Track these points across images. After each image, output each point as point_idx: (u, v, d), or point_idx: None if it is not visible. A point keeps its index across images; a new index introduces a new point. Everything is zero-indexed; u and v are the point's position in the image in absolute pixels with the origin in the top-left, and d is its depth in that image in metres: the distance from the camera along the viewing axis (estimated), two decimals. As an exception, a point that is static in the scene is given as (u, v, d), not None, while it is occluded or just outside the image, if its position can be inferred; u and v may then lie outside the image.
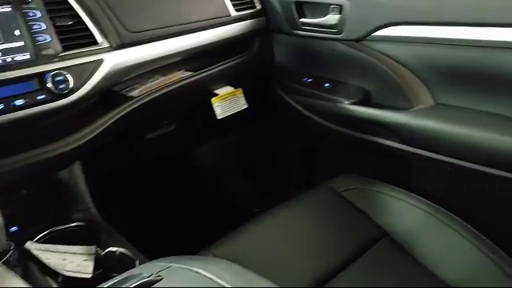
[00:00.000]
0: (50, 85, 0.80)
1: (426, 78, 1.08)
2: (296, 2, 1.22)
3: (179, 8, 1.07)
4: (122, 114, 0.96)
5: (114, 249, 1.00)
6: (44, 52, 0.82)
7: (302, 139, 1.48)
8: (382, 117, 1.12)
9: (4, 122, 0.77)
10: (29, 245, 0.96)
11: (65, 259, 0.95)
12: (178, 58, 1.09)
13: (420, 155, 1.07)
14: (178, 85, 1.08)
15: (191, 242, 0.93)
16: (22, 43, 0.80)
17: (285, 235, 0.97)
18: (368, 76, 1.17)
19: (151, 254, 0.91)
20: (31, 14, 0.82)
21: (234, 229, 0.97)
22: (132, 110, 0.98)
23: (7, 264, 0.81)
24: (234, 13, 1.19)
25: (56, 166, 1.02)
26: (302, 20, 1.24)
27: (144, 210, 1.37)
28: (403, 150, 1.10)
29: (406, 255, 0.93)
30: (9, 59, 0.78)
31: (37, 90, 0.80)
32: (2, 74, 0.77)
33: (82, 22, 0.89)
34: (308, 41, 1.25)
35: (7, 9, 0.80)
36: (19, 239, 0.96)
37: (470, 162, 0.98)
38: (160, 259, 0.71)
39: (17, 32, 0.80)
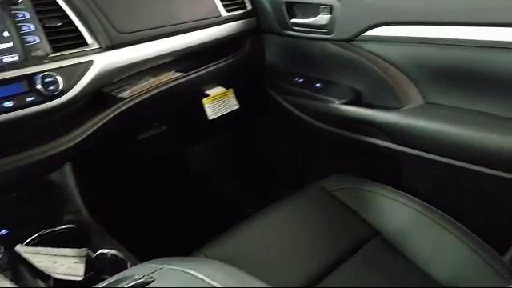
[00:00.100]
0: (39, 86, 0.80)
1: (416, 77, 1.09)
2: (286, 3, 1.23)
3: (169, 8, 1.07)
4: (112, 115, 0.96)
5: (105, 251, 1.00)
6: (33, 53, 0.81)
7: (293, 139, 1.48)
8: (372, 116, 1.12)
9: (-7, 124, 0.76)
10: (19, 248, 0.96)
11: (55, 262, 0.95)
12: (168, 59, 1.09)
13: (410, 154, 1.07)
14: (168, 86, 1.07)
15: (183, 243, 0.92)
16: (10, 45, 0.79)
17: (277, 235, 0.97)
18: (358, 76, 1.18)
19: (143, 256, 0.91)
20: (20, 16, 0.81)
21: (226, 229, 0.97)
22: (123, 111, 0.97)
23: (-3, 267, 0.80)
24: (224, 13, 1.18)
25: (47, 167, 1.02)
26: (293, 20, 1.24)
27: (135, 211, 1.36)
28: (394, 150, 1.11)
29: (397, 254, 0.94)
30: (-3, 61, 0.78)
31: (26, 92, 0.79)
32: (-9, 75, 0.76)
33: (72, 23, 0.88)
34: (299, 41, 1.26)
35: (-5, 10, 0.79)
36: (9, 242, 0.95)
37: (460, 160, 0.99)
38: (152, 261, 0.71)
39: (5, 33, 0.79)
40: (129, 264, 0.98)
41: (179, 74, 1.12)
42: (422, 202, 1.02)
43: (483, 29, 0.92)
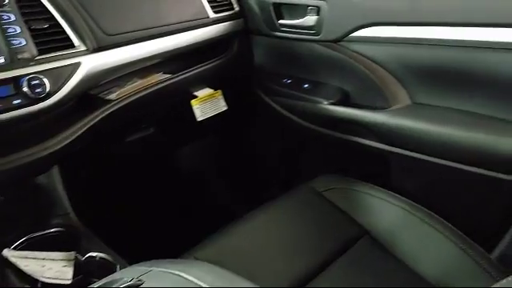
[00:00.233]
0: (26, 89, 0.79)
1: (403, 77, 1.09)
2: (274, 4, 1.23)
3: (157, 10, 1.07)
4: (100, 117, 0.95)
5: (94, 254, 0.99)
6: (19, 56, 0.80)
7: (282, 140, 1.49)
8: (360, 116, 1.13)
9: (-20, 128, 0.75)
10: (6, 252, 0.95)
11: (43, 266, 0.94)
12: (156, 61, 1.08)
13: (398, 154, 1.08)
14: (156, 87, 1.07)
15: (172, 245, 0.92)
16: (-5, 47, 0.78)
17: (266, 236, 0.97)
18: (346, 76, 1.18)
19: (132, 259, 0.90)
20: (5, 18, 0.80)
21: (216, 231, 0.97)
22: (110, 113, 0.97)
23: (-16, 272, 0.79)
24: (212, 14, 1.18)
25: (34, 170, 1.01)
26: (281, 21, 1.24)
27: (124, 213, 1.35)
28: (382, 149, 1.11)
29: (386, 253, 0.94)
30: (-17, 64, 0.77)
31: (12, 95, 0.79)
32: (-23, 78, 0.75)
33: (58, 25, 0.87)
34: (287, 42, 1.26)
35: (-20, 12, 0.79)
36: (-4, 247, 0.94)
37: (447, 159, 0.99)
38: (141, 263, 0.71)
39: (-10, 36, 0.78)
40: (118, 267, 0.97)
41: (167, 76, 1.11)
42: (411, 201, 1.03)
43: (470, 29, 0.93)
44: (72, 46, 0.89)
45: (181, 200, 1.53)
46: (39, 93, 0.80)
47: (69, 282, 0.92)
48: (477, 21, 0.92)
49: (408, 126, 1.04)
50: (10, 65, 0.79)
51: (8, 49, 0.79)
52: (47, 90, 0.82)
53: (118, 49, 0.96)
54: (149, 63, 1.07)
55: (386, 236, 0.97)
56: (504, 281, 0.40)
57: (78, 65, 0.87)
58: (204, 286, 0.58)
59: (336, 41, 1.15)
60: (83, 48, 0.90)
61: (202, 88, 1.23)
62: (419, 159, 1.04)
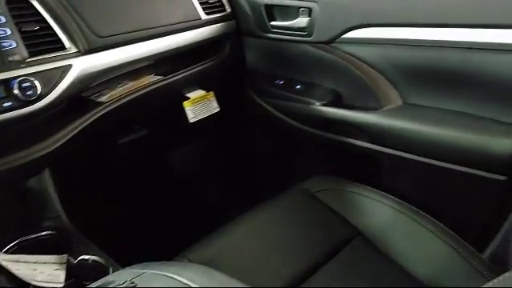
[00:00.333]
0: (16, 91, 0.78)
1: (395, 78, 1.10)
2: (266, 6, 1.23)
3: (148, 12, 1.07)
4: (92, 119, 0.95)
5: (86, 257, 0.99)
6: (10, 58, 0.80)
7: (274, 141, 1.49)
8: (352, 117, 1.13)
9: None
10: (-3, 255, 0.94)
11: (35, 269, 0.93)
12: (147, 62, 1.08)
13: (390, 154, 1.09)
14: (148, 89, 1.07)
15: (165, 247, 0.92)
16: (-14, 49, 0.78)
17: (260, 238, 0.97)
18: (338, 77, 1.19)
19: (125, 261, 0.90)
20: (-4, 20, 0.80)
21: (209, 233, 0.97)
22: (102, 115, 0.96)
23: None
24: (204, 16, 1.18)
25: (26, 173, 1.00)
26: (273, 23, 1.24)
27: (116, 216, 1.35)
28: (374, 150, 1.12)
29: (379, 253, 0.95)
30: (-27, 66, 0.76)
31: (3, 97, 0.78)
32: (-33, 81, 0.75)
33: (49, 27, 0.87)
34: (279, 43, 1.26)
35: (-30, 14, 0.78)
36: (-13, 250, 0.94)
37: (438, 160, 1.00)
38: (134, 266, 0.70)
39: (-19, 38, 0.78)
40: (110, 270, 0.97)
41: (159, 78, 1.11)
42: (403, 201, 1.03)
43: (461, 30, 0.93)
44: (63, 48, 0.88)
45: (173, 202, 1.52)
46: (30, 95, 0.80)
47: (61, 285, 0.91)
48: (467, 22, 0.93)
49: (400, 126, 1.05)
50: (0, 67, 0.78)
51: (-2, 51, 0.79)
52: (38, 92, 0.81)
53: (110, 51, 0.96)
54: (140, 65, 1.07)
55: (379, 236, 0.98)
56: (495, 280, 0.41)
57: (69, 67, 0.87)
58: (197, 288, 0.58)
59: (328, 42, 1.15)
60: (74, 50, 0.89)
61: (195, 90, 1.23)
62: (411, 159, 1.05)
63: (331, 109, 1.17)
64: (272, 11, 1.24)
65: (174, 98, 1.18)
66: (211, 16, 1.21)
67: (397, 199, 1.04)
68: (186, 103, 1.19)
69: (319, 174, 1.17)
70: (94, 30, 0.93)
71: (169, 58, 1.11)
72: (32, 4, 0.86)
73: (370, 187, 1.08)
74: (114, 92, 1.01)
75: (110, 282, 0.63)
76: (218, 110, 1.25)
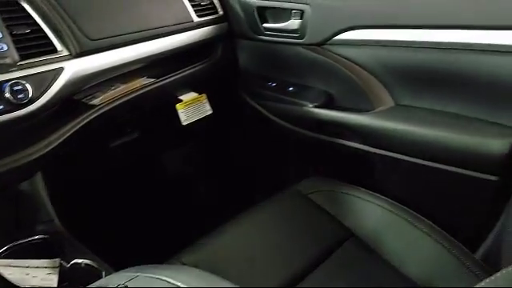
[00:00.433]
0: (8, 95, 0.78)
1: (387, 80, 1.10)
2: (258, 8, 1.23)
3: (141, 14, 1.06)
4: (84, 122, 0.95)
5: (79, 260, 0.98)
6: (1, 61, 0.79)
7: (267, 143, 1.49)
8: (345, 119, 1.14)
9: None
10: (-11, 260, 0.94)
11: (28, 274, 0.93)
12: (140, 65, 1.08)
13: (383, 155, 1.09)
14: (140, 92, 1.07)
15: (159, 250, 0.91)
16: (-24, 52, 0.77)
17: (253, 240, 0.97)
18: (331, 79, 1.19)
19: (118, 265, 0.89)
20: (-14, 23, 0.79)
21: (202, 235, 0.97)
22: (94, 118, 0.96)
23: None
24: (196, 18, 1.18)
25: (18, 177, 0.99)
26: (265, 25, 1.24)
27: (109, 219, 1.34)
28: (367, 151, 1.12)
29: (372, 254, 0.95)
30: (-36, 69, 0.76)
31: (-6, 101, 0.78)
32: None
33: (41, 30, 0.86)
34: (271, 45, 1.26)
35: (-39, 17, 0.77)
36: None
37: (430, 160, 1.01)
38: (127, 269, 0.70)
39: (-29, 41, 0.77)
40: (103, 273, 0.97)
41: (151, 80, 1.11)
42: (396, 202, 1.04)
43: (451, 32, 0.94)
44: (55, 50, 0.88)
45: (166, 204, 1.52)
46: (21, 98, 0.79)
47: (54, 289, 0.91)
48: (459, 23, 0.93)
49: (392, 127, 1.05)
50: (-9, 70, 0.78)
51: (-11, 54, 0.78)
52: (30, 95, 0.81)
53: (102, 53, 0.96)
54: (133, 67, 1.06)
55: (372, 237, 0.98)
56: (488, 280, 0.41)
57: (60, 70, 0.87)
58: (191, 291, 0.58)
59: (320, 44, 1.15)
60: (66, 53, 0.89)
61: (187, 92, 1.23)
62: (403, 160, 1.05)
63: (324, 110, 1.18)
64: (264, 13, 1.24)
65: (166, 100, 1.18)
66: (203, 18, 1.21)
67: (389, 200, 1.04)
68: (178, 106, 1.18)
69: (312, 175, 1.18)
70: (85, 33, 0.92)
71: (161, 60, 1.11)
72: (23, 7, 0.85)
73: (362, 188, 1.09)
74: (106, 95, 1.01)
75: (103, 286, 0.63)
76: (210, 112, 1.25)
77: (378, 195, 1.06)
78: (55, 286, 0.91)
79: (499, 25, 0.88)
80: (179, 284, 0.60)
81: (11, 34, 0.81)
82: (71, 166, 1.20)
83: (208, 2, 1.25)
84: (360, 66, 1.12)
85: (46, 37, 0.87)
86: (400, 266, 0.92)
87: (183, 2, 1.17)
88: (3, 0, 0.83)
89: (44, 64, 0.85)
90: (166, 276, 0.62)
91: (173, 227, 1.35)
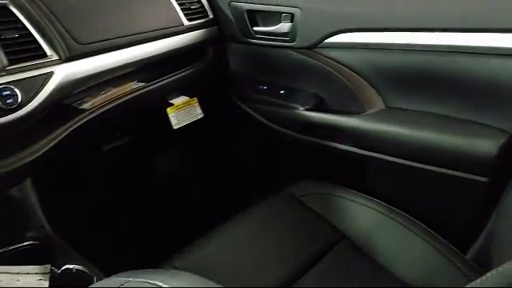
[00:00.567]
0: (-4, 100, 0.77)
1: (377, 82, 1.11)
2: (248, 11, 1.23)
3: (130, 18, 1.06)
4: (74, 127, 0.94)
5: (70, 266, 0.98)
6: (-11, 66, 0.79)
7: (259, 146, 1.49)
8: (335, 121, 1.14)
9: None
10: (-21, 267, 0.93)
11: (18, 280, 0.92)
12: (130, 69, 1.07)
13: (373, 157, 1.10)
14: (131, 96, 1.06)
15: (150, 254, 0.91)
16: (-36, 57, 0.77)
17: (246, 243, 0.97)
18: (321, 82, 1.19)
19: (109, 270, 0.89)
20: (-26, 27, 0.79)
21: (195, 239, 0.97)
22: (85, 122, 0.95)
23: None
24: (186, 22, 1.18)
25: (8, 182, 0.98)
26: (255, 28, 1.25)
27: (100, 224, 1.33)
28: (358, 154, 1.13)
29: (364, 256, 0.95)
30: (-48, 74, 0.75)
31: (-17, 106, 0.77)
32: None
33: (30, 35, 0.86)
34: (262, 49, 1.26)
35: None
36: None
37: (421, 162, 1.01)
38: (119, 274, 0.70)
39: (-41, 46, 0.77)
40: (95, 279, 0.96)
41: (142, 84, 1.10)
42: (387, 204, 1.04)
43: (442, 34, 0.95)
44: (44, 55, 0.87)
45: (158, 209, 1.51)
46: (11, 103, 0.79)
47: (44, 295, 0.90)
48: (448, 26, 0.94)
49: (382, 129, 1.06)
50: (-21, 76, 0.77)
51: (-23, 59, 0.78)
52: (19, 100, 0.80)
53: (91, 58, 0.95)
54: (123, 72, 1.06)
55: (364, 239, 0.98)
56: (478, 280, 0.41)
57: (50, 74, 0.86)
58: (183, 295, 0.58)
59: (310, 47, 1.16)
60: (55, 57, 0.88)
61: (178, 96, 1.23)
62: (394, 162, 1.06)
63: (315, 113, 1.18)
64: (254, 17, 1.24)
65: (157, 104, 1.17)
66: (194, 22, 1.21)
67: (381, 202, 1.05)
68: (169, 110, 1.18)
69: (304, 178, 1.18)
70: (75, 37, 0.92)
71: (151, 64, 1.11)
72: (12, 11, 0.85)
73: (354, 191, 1.09)
74: (96, 99, 1.00)
75: (95, 291, 0.62)
76: (201, 116, 1.25)
77: (370, 197, 1.07)
78: (46, 292, 0.91)
79: (486, 27, 0.89)
80: (171, 288, 0.59)
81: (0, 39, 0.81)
82: (62, 171, 1.19)
83: (198, 5, 1.25)
84: (350, 68, 1.13)
85: (35, 41, 0.86)
86: (391, 267, 0.92)
87: (173, 6, 1.17)
88: (-9, 5, 0.83)
89: (33, 69, 0.84)
90: (158, 280, 0.61)
91: (165, 231, 1.35)
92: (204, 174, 1.69)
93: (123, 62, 1.02)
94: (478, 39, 0.90)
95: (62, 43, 0.89)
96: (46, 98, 0.85)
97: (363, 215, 1.03)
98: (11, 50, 0.82)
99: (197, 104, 1.24)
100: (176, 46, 1.15)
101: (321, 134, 1.19)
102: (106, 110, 1.00)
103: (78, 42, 0.92)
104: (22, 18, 0.86)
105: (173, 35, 1.15)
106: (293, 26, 1.16)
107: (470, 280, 0.84)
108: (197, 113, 1.24)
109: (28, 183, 1.09)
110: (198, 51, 1.27)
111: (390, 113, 1.09)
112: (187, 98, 1.23)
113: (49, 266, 0.96)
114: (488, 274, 0.41)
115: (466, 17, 0.92)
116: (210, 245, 0.96)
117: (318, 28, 1.12)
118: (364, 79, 1.12)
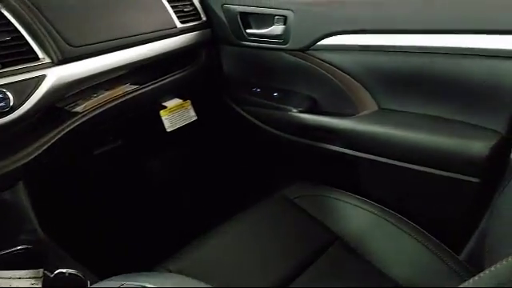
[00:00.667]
0: (-12, 103, 0.77)
1: (370, 84, 1.11)
2: (241, 14, 1.23)
3: (123, 21, 1.06)
4: (67, 130, 0.94)
5: (63, 270, 0.97)
6: (-19, 69, 0.78)
7: (253, 148, 1.49)
8: (329, 123, 1.14)
9: None
10: (-30, 272, 0.92)
11: (10, 285, 0.91)
12: (123, 72, 1.07)
13: (367, 159, 1.10)
14: (123, 98, 1.06)
15: (144, 258, 0.91)
16: (-44, 61, 0.76)
17: (240, 246, 0.97)
18: (315, 84, 1.20)
19: (103, 273, 0.88)
20: (-35, 30, 0.78)
21: (189, 243, 0.96)
22: (77, 126, 0.95)
23: None
24: (179, 25, 1.18)
25: (0, 186, 0.98)
26: (248, 31, 1.25)
27: (93, 227, 1.33)
28: (351, 155, 1.13)
29: (358, 258, 0.95)
30: None
31: (-25, 110, 0.77)
32: None
33: (22, 38, 0.85)
34: (255, 51, 1.27)
35: None
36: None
37: (414, 163, 1.02)
38: (112, 278, 0.69)
39: (-50, 49, 0.76)
40: (88, 282, 0.95)
41: (135, 87, 1.10)
42: (380, 205, 1.05)
43: (434, 36, 0.95)
44: (36, 58, 0.87)
45: (152, 212, 1.51)
46: (2, 107, 0.79)
47: (37, 300, 0.89)
48: (440, 27, 0.95)
49: (375, 131, 1.06)
50: (-29, 79, 0.77)
51: (-31, 62, 0.77)
52: (11, 103, 0.80)
53: (84, 60, 0.95)
54: (116, 74, 1.06)
55: (357, 241, 0.98)
56: (471, 280, 0.41)
57: (42, 77, 0.86)
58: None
59: (303, 49, 1.16)
60: (48, 60, 0.88)
61: (171, 98, 1.23)
62: (387, 164, 1.06)
63: (308, 115, 1.18)
64: (247, 19, 1.25)
65: (150, 107, 1.17)
66: (187, 24, 1.21)
67: (374, 203, 1.05)
68: (162, 112, 1.18)
69: (297, 180, 1.18)
70: (67, 40, 0.92)
71: (144, 67, 1.10)
72: (3, 14, 0.84)
73: (347, 192, 1.09)
74: (89, 102, 1.00)
75: (88, 295, 0.62)
76: (195, 118, 1.25)
77: (363, 199, 1.07)
78: (39, 296, 0.90)
79: (479, 29, 0.90)
80: (165, 292, 0.59)
81: (-9, 42, 0.81)
82: (54, 175, 1.19)
83: (191, 8, 1.25)
84: (343, 70, 1.13)
85: (27, 44, 0.86)
86: (385, 267, 0.92)
87: (166, 9, 1.17)
88: (-17, 8, 0.82)
89: (25, 72, 0.84)
90: (152, 284, 0.61)
91: (159, 234, 1.34)
92: (198, 176, 1.69)
93: (116, 65, 1.02)
94: (470, 41, 0.91)
95: (54, 46, 0.89)
96: (39, 101, 0.84)
97: (357, 216, 1.03)
98: (3, 53, 0.81)
99: (190, 106, 1.24)
100: (169, 49, 1.15)
101: (314, 136, 1.19)
102: (99, 113, 1.00)
103: (70, 45, 0.92)
104: (13, 20, 0.85)
105: (166, 38, 1.14)
106: (286, 28, 1.16)
107: (463, 280, 0.84)
108: (190, 115, 1.24)
109: (20, 186, 1.08)
110: (191, 54, 1.27)
111: (382, 114, 1.10)
112: (180, 100, 1.23)
113: (41, 270, 0.96)
114: (481, 274, 0.41)
115: (457, 19, 0.93)
116: (203, 248, 0.96)
117: (311, 30, 1.13)
118: (357, 81, 1.12)
